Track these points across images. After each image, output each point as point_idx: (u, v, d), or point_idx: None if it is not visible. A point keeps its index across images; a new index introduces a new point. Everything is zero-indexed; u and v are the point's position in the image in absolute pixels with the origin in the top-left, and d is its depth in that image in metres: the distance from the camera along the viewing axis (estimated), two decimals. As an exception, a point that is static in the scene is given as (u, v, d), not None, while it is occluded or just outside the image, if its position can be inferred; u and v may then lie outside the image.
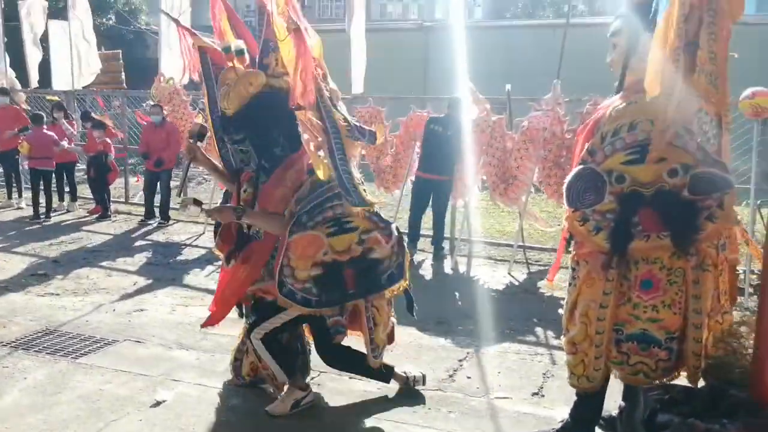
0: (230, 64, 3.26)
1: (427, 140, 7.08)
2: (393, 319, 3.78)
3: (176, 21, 3.68)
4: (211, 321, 3.58)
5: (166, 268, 6.72)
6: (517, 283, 6.52)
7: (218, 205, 3.65)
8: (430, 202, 7.28)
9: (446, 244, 7.48)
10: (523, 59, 13.23)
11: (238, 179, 3.46)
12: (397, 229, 3.45)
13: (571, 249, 3.05)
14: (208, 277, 6.40)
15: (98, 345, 4.57)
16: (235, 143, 3.33)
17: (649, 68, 2.67)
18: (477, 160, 6.97)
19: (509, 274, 6.78)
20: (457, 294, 6.05)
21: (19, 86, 12.34)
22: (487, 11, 37.34)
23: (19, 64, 12.49)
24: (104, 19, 23.05)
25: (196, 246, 7.64)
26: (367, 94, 7.84)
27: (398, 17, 36.85)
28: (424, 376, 3.90)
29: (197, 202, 3.39)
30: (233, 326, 4.05)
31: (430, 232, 7.46)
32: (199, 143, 3.49)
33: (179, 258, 7.17)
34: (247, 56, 3.28)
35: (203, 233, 8.13)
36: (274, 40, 3.10)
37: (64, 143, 9.22)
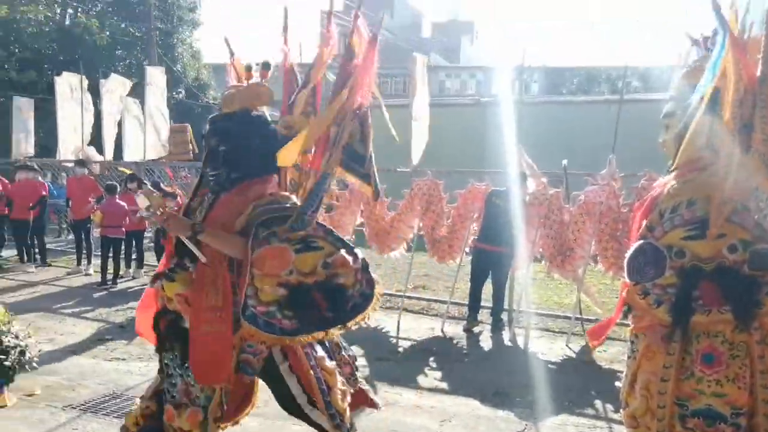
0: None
1: (488, 212, 7.21)
2: (362, 385, 3.44)
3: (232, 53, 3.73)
4: (210, 377, 2.98)
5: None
6: (575, 356, 6.47)
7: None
8: (490, 274, 7.34)
9: (505, 316, 7.49)
10: (579, 134, 13.38)
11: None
12: (364, 259, 3.02)
13: (628, 321, 3.09)
14: (269, 344, 6.52)
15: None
16: (216, 136, 3.08)
17: (686, 144, 2.80)
18: (535, 233, 7.04)
19: (567, 346, 6.73)
20: (515, 365, 6.03)
21: (97, 157, 13.15)
22: (543, 87, 37.84)
23: (97, 136, 13.37)
24: (175, 93, 24.35)
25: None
26: (426, 167, 8.05)
27: (456, 93, 37.62)
28: None
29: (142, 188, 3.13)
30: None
31: (489, 303, 7.49)
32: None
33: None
34: (269, 72, 3.30)
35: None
36: (315, 79, 3.24)
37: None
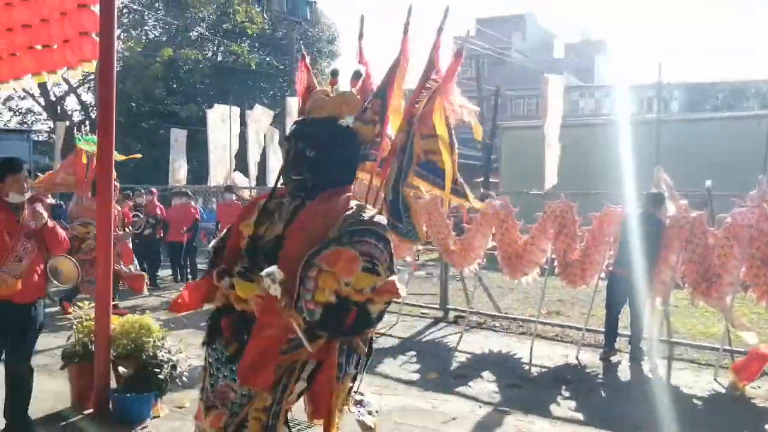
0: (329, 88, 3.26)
1: (624, 236, 6.95)
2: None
3: (303, 54, 3.66)
4: (252, 379, 2.87)
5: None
6: (723, 391, 6.03)
7: None
8: (627, 301, 7.05)
9: (644, 345, 7.13)
10: (724, 153, 12.54)
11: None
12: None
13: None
14: (401, 367, 6.63)
15: (300, 427, 4.89)
16: (303, 140, 3.04)
17: None
18: (676, 258, 6.70)
19: (715, 380, 6.28)
20: (655, 398, 5.73)
21: (243, 183, 14.03)
22: (684, 104, 35.92)
23: (243, 163, 14.29)
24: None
25: (390, 335, 7.97)
26: (559, 189, 7.89)
27: (590, 113, 36.56)
28: None
29: None
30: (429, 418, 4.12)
31: (627, 331, 7.18)
32: None
33: (374, 346, 7.48)
34: (360, 82, 3.30)
35: (396, 323, 8.47)
36: (386, 89, 3.23)
37: None
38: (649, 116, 13.71)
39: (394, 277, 2.85)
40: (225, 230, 3.32)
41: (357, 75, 3.28)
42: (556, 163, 9.07)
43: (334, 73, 3.26)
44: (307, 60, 3.60)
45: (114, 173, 8.58)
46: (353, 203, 3.02)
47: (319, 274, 2.75)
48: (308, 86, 3.48)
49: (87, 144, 8.96)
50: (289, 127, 13.21)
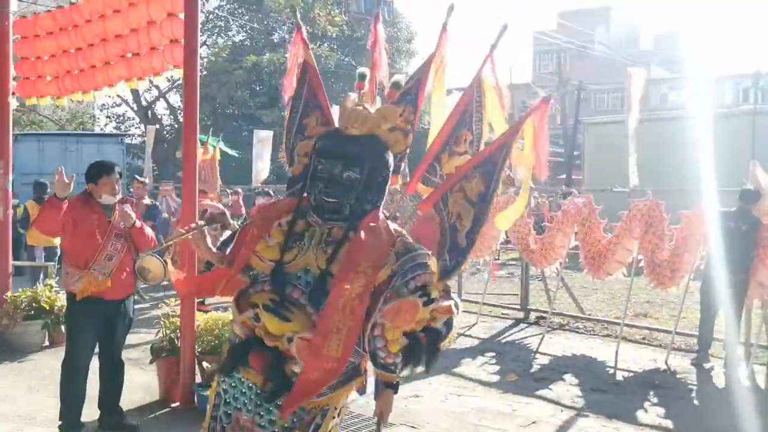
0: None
1: (717, 235, 6.59)
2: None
3: (299, 25, 3.34)
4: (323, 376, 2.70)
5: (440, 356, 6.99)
6: (830, 401, 5.65)
7: None
8: (723, 303, 6.68)
9: (740, 350, 6.75)
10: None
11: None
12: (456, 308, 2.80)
13: None
14: (480, 368, 6.54)
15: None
16: (342, 160, 2.75)
17: None
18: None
19: (820, 389, 5.91)
20: (753, 408, 5.40)
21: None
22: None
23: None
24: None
25: (469, 336, 7.88)
26: (646, 186, 7.58)
27: (681, 105, 35.08)
28: None
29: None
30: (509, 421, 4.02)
31: (721, 336, 6.82)
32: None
33: (452, 347, 7.42)
34: (398, 93, 3.03)
35: (476, 323, 8.38)
36: (417, 95, 3.03)
37: None
38: (746, 107, 13.01)
39: (450, 301, 2.69)
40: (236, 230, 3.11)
41: (396, 86, 3.02)
42: (638, 160, 8.72)
43: (362, 76, 3.09)
44: (304, 32, 3.31)
45: (217, 170, 9.27)
46: (393, 230, 2.79)
47: (384, 330, 2.62)
48: (305, 62, 3.25)
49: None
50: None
